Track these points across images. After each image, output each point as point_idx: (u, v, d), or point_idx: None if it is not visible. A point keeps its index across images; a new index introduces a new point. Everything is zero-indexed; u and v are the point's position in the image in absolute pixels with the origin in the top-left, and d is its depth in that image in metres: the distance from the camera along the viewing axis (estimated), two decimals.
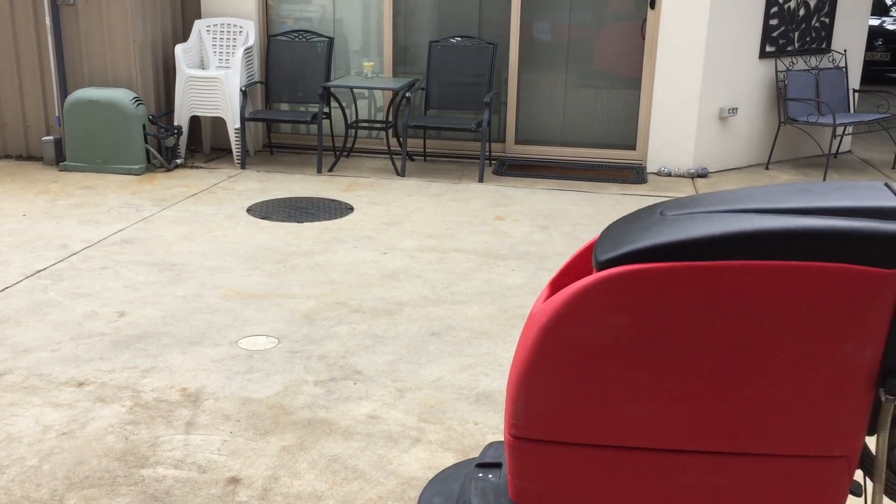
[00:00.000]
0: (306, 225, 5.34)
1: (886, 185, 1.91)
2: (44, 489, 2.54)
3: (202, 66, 7.09)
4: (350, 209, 5.74)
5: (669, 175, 7.04)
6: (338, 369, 3.38)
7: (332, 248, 4.89)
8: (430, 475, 2.64)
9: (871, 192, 1.85)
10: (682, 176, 7.02)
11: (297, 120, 6.82)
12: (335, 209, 5.72)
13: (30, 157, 6.97)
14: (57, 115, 6.72)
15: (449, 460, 2.74)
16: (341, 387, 3.24)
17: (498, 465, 2.31)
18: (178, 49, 6.76)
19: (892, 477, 1.95)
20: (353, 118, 7.33)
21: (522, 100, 7.34)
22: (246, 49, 6.87)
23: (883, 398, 1.79)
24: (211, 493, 2.54)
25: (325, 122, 6.93)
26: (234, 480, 2.61)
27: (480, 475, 2.25)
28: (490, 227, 5.48)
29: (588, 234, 5.38)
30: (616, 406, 1.92)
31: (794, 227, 1.73)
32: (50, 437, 2.83)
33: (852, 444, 1.88)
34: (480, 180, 6.60)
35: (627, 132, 7.26)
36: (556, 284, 2.19)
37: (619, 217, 5.83)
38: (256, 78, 7.14)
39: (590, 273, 2.14)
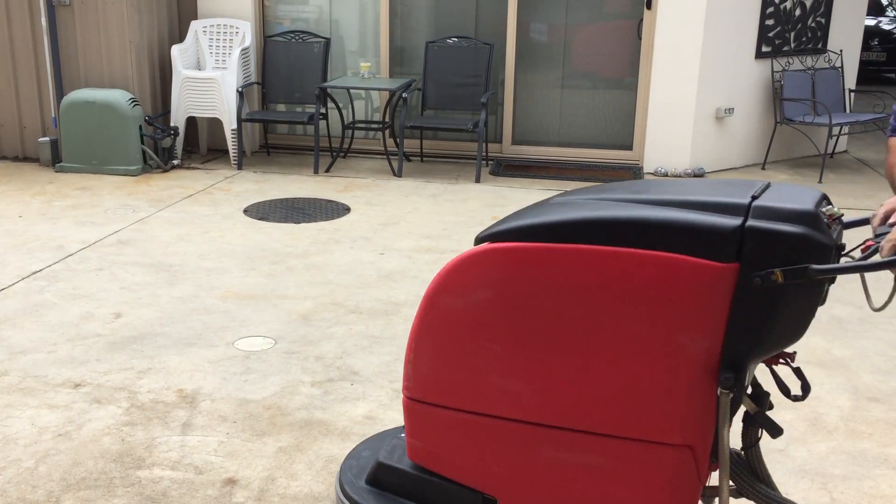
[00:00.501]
0: (303, 226, 5.33)
1: (769, 184, 1.92)
2: (40, 491, 2.53)
3: (199, 66, 7.08)
4: (347, 210, 5.74)
5: (666, 175, 7.05)
6: (335, 370, 3.38)
7: (329, 249, 4.89)
8: None
9: (732, 189, 1.87)
10: (679, 176, 7.03)
11: (294, 121, 6.81)
12: (332, 210, 5.72)
13: (26, 159, 6.96)
14: (53, 116, 6.71)
15: None
16: (338, 387, 3.23)
17: None
18: (175, 50, 6.75)
19: (745, 475, 1.94)
20: (350, 119, 7.33)
21: (519, 100, 7.34)
22: (242, 50, 6.86)
23: (718, 392, 1.79)
24: (207, 494, 2.54)
25: (322, 123, 6.92)
26: (231, 482, 2.61)
27: (402, 436, 2.37)
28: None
29: None
30: (484, 376, 2.02)
31: (635, 217, 1.78)
32: (46, 438, 2.82)
33: (696, 436, 1.87)
34: (477, 181, 6.61)
35: (624, 132, 7.27)
36: None
37: None
38: (253, 79, 7.14)
39: None
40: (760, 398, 1.95)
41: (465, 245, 5.05)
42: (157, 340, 3.62)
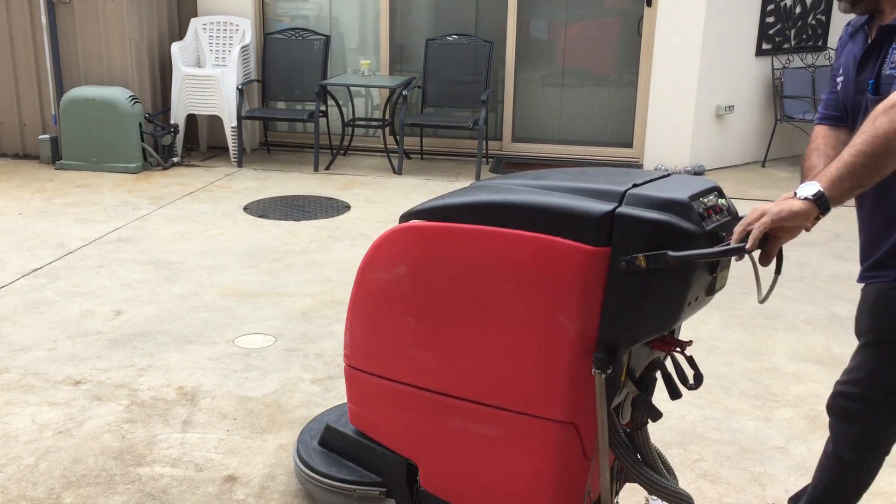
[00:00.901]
0: (303, 223, 5.34)
1: (669, 174, 2.01)
2: (41, 488, 2.53)
3: (198, 64, 7.07)
4: (347, 207, 5.74)
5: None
6: (335, 367, 3.38)
7: (329, 247, 4.89)
8: None
9: (622, 177, 1.96)
10: (679, 173, 7.03)
11: (294, 118, 6.80)
12: (332, 207, 5.72)
13: (26, 156, 6.96)
14: (53, 113, 6.71)
15: None
16: (338, 385, 3.24)
17: None
18: (175, 47, 6.75)
19: (632, 458, 1.97)
20: (350, 116, 7.33)
21: (519, 98, 7.34)
22: (242, 47, 6.86)
23: (594, 371, 1.84)
24: (208, 491, 2.54)
25: (322, 121, 6.91)
26: (231, 479, 2.61)
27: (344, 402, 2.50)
28: None
29: None
30: (402, 346, 2.17)
31: (520, 201, 1.90)
32: (46, 435, 2.82)
33: (579, 414, 1.94)
34: (477, 178, 6.60)
35: (624, 130, 7.26)
36: None
37: None
38: (253, 76, 7.13)
39: None
40: (647, 383, 1.98)
41: None
42: (158, 338, 3.62)
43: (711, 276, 1.86)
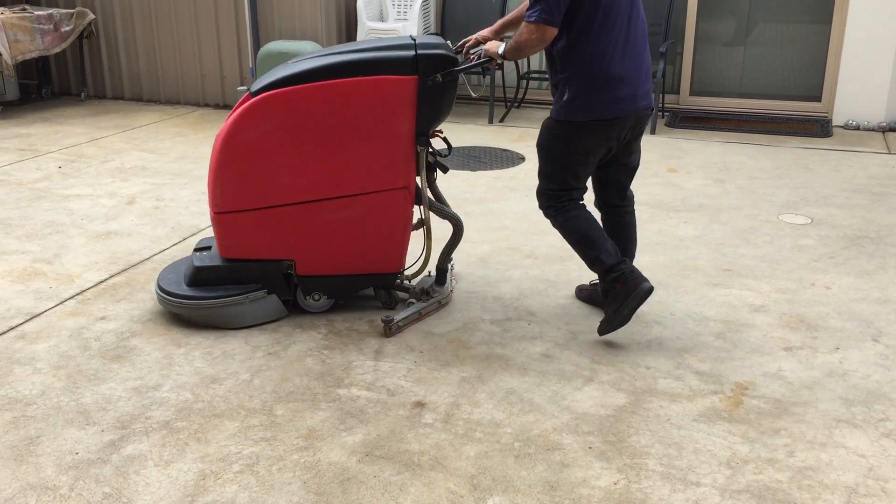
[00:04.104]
0: (479, 173, 5.50)
1: (412, 36, 3.34)
2: (256, 400, 2.86)
3: (381, 18, 7.35)
4: (521, 159, 5.85)
5: (857, 129, 6.65)
6: (512, 310, 3.54)
7: (505, 196, 5.03)
8: (603, 413, 2.76)
9: (400, 39, 3.26)
10: (873, 130, 6.62)
11: (470, 70, 6.92)
12: (507, 158, 5.85)
13: (226, 106, 7.54)
14: (250, 66, 7.22)
15: (621, 400, 2.84)
16: (516, 326, 3.40)
17: (208, 248, 3.51)
18: (360, 2, 7.04)
19: (433, 201, 3.48)
20: (525, 69, 7.39)
21: (699, 49, 7.12)
22: (423, 2, 7.05)
23: (419, 149, 3.27)
24: (399, 413, 2.78)
25: (497, 73, 7.02)
26: (420, 404, 2.83)
27: (194, 255, 3.48)
28: (662, 178, 5.43)
29: (766, 188, 5.22)
30: (276, 179, 3.23)
31: (361, 58, 3.14)
32: (258, 356, 3.17)
33: (408, 179, 3.31)
34: (653, 132, 6.52)
35: (812, 83, 6.91)
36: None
37: (798, 171, 5.62)
38: (432, 29, 7.33)
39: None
40: (437, 155, 3.38)
41: (639, 195, 5.04)
42: None
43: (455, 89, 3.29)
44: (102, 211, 4.81)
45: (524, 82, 7.30)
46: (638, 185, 5.23)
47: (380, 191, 3.27)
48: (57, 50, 7.38)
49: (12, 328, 3.38)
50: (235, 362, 3.12)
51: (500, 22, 3.46)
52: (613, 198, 3.42)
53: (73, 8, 7.56)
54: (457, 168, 5.61)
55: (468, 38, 3.46)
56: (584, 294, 3.62)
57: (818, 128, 6.64)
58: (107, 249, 4.22)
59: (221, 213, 3.30)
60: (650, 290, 3.12)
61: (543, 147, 3.25)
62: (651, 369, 3.05)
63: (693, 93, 7.22)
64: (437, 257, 3.58)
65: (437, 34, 7.34)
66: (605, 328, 3.20)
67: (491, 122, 6.88)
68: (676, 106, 7.24)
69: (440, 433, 2.66)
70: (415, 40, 3.19)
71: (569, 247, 4.24)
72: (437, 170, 3.40)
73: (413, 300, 3.49)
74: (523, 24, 3.00)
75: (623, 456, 2.54)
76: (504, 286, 3.78)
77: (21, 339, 3.28)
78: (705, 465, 2.49)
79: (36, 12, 7.18)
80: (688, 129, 6.66)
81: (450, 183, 5.26)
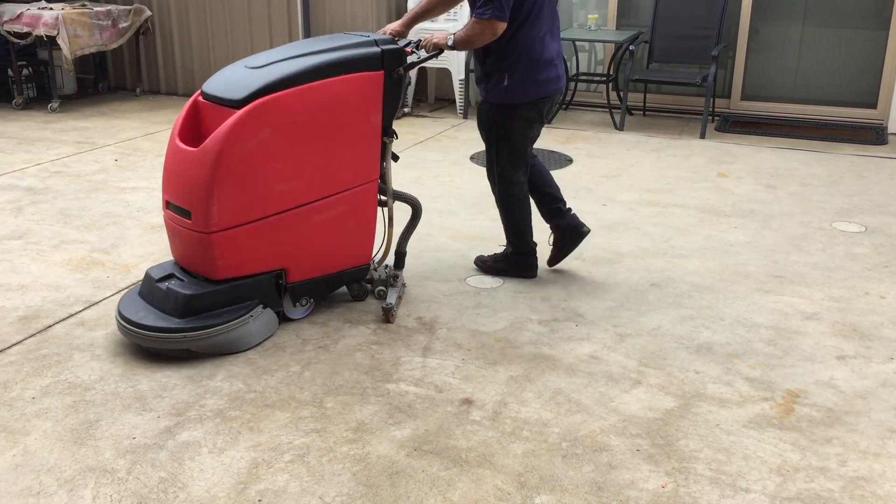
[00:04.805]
0: None
1: (370, 34, 3.40)
2: (306, 392, 2.91)
3: None
4: (569, 161, 5.84)
5: None
6: (560, 311, 3.55)
7: None
8: (651, 416, 2.76)
9: (359, 37, 3.34)
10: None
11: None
12: (555, 160, 5.85)
13: None
14: None
15: (670, 404, 2.83)
16: (564, 327, 3.40)
17: (171, 276, 3.25)
18: (411, 1, 7.09)
19: (398, 190, 3.69)
20: (574, 71, 7.37)
21: (752, 53, 7.04)
22: None
23: (386, 141, 3.44)
24: (447, 410, 2.80)
25: None
26: (468, 402, 2.86)
27: (166, 285, 3.18)
28: (712, 183, 5.38)
29: (819, 195, 5.15)
30: (272, 187, 3.14)
31: (333, 59, 3.18)
32: (309, 349, 3.22)
33: (377, 171, 3.44)
34: (702, 136, 6.46)
35: (868, 88, 6.78)
36: (182, 137, 3.20)
37: (852, 179, 5.52)
38: None
39: (208, 123, 3.20)
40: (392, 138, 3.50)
41: (688, 200, 5.01)
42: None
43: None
44: (157, 203, 4.91)
45: (573, 84, 7.28)
46: (686, 189, 5.21)
47: (359, 185, 3.36)
48: (114, 45, 7.55)
49: (72, 315, 3.48)
50: (286, 355, 3.17)
51: (407, 15, 3.73)
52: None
53: (131, 4, 7.73)
54: None
55: (383, 29, 3.68)
56: (487, 265, 3.94)
57: (873, 135, 6.52)
58: (161, 241, 4.31)
59: (221, 231, 3.07)
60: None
61: (494, 132, 3.60)
62: (700, 374, 3.04)
63: (744, 97, 7.14)
64: (396, 242, 3.76)
65: None
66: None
67: None
68: (727, 110, 7.16)
69: (488, 430, 2.68)
70: (368, 37, 3.35)
71: (616, 250, 4.23)
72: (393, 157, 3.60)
73: (382, 288, 3.60)
74: (474, 20, 3.32)
75: (671, 459, 2.54)
76: (552, 287, 3.79)
77: (80, 326, 3.38)
78: (755, 472, 2.48)
79: (95, 8, 7.35)
80: (738, 134, 6.59)
81: None
